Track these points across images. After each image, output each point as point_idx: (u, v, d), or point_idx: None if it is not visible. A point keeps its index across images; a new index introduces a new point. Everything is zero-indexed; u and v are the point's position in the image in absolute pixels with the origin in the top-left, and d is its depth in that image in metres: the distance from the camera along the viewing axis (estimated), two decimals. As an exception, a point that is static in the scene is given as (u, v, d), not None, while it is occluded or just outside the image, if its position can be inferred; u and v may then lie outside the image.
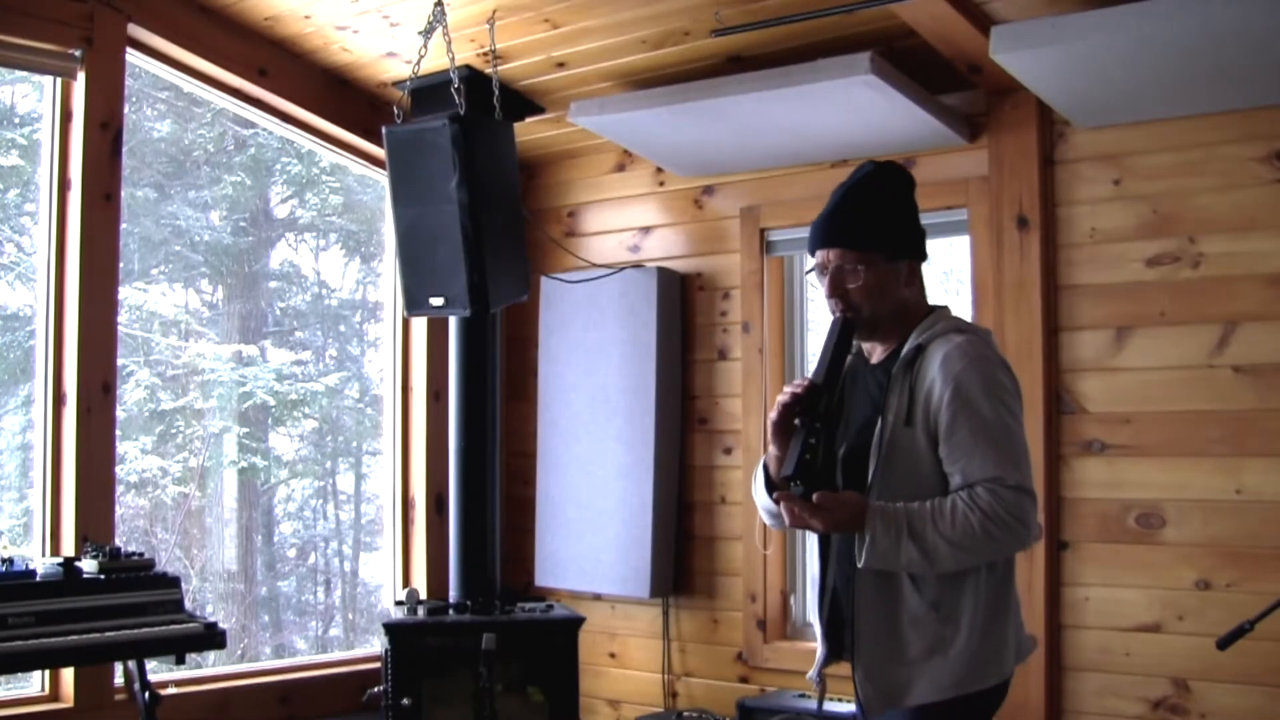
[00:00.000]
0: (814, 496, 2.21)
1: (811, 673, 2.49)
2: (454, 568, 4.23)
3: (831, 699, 3.82)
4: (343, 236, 6.41)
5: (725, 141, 4.14)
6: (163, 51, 4.06)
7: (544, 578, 4.72)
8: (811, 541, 2.50)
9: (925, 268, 2.48)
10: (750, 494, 4.33)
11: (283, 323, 6.32)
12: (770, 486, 2.42)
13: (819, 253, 2.41)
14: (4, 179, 4.98)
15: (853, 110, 3.73)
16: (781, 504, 2.25)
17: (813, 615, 2.51)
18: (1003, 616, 2.30)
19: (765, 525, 4.31)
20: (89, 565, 3.11)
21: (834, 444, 2.38)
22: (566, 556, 4.64)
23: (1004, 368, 2.33)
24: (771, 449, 2.39)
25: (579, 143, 4.78)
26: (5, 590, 2.90)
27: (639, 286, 4.54)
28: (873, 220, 2.39)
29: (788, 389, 2.32)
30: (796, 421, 2.28)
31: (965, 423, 2.22)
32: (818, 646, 2.47)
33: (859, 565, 2.23)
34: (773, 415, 2.34)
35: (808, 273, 2.49)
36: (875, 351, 2.46)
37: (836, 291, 2.37)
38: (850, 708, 3.58)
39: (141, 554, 3.23)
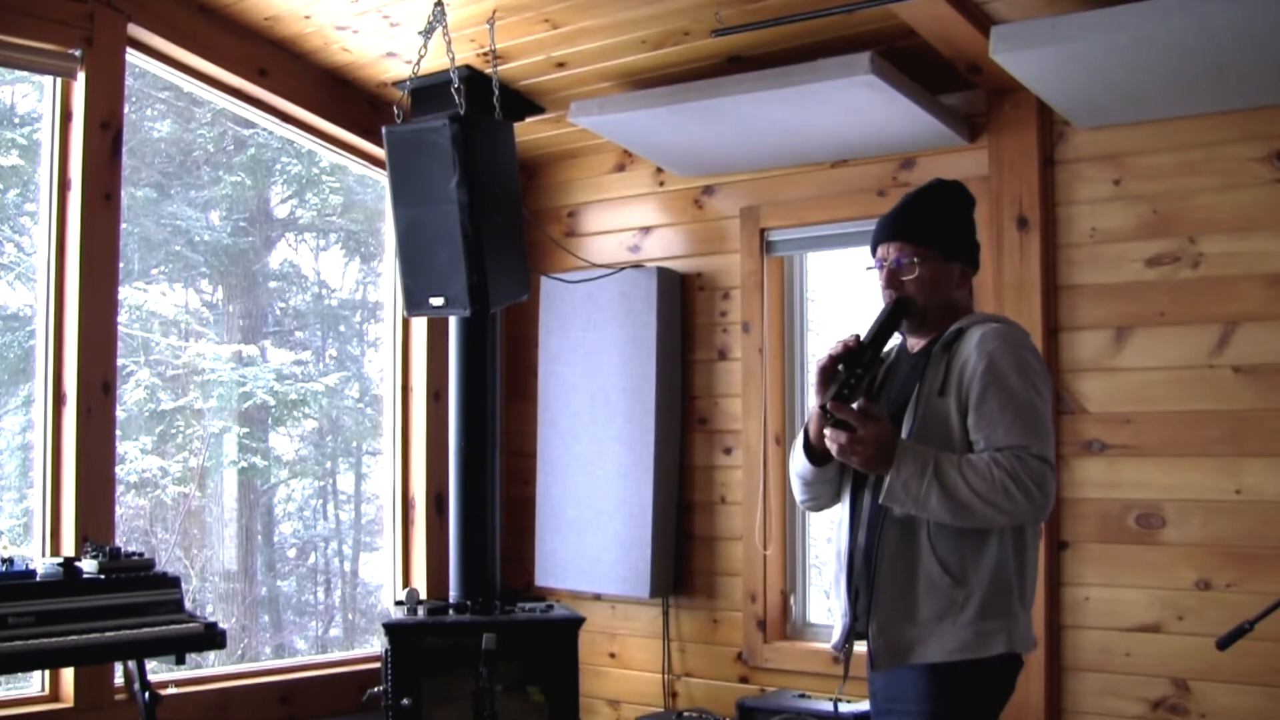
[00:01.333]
0: (856, 404, 2.34)
1: (837, 642, 2.56)
2: (454, 568, 4.23)
3: (839, 699, 3.85)
4: (343, 236, 6.40)
5: (725, 141, 4.14)
6: (163, 51, 4.06)
7: (544, 578, 4.72)
8: (817, 540, 2.56)
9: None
10: (750, 496, 4.37)
11: (283, 323, 6.32)
12: (809, 449, 2.54)
13: (880, 248, 2.57)
14: (4, 179, 4.98)
15: (853, 110, 3.73)
16: (829, 426, 2.35)
17: (834, 588, 2.60)
18: (1013, 595, 2.39)
19: (765, 525, 4.32)
20: (89, 565, 3.11)
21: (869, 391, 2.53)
22: (566, 556, 4.64)
23: (1036, 355, 2.47)
24: (813, 402, 2.51)
25: (579, 143, 4.78)
26: (5, 590, 2.90)
27: (639, 286, 4.54)
28: (932, 220, 2.55)
29: (837, 342, 2.46)
30: (840, 368, 2.41)
31: (995, 395, 2.36)
32: (840, 619, 2.55)
33: (880, 500, 2.34)
34: (821, 360, 2.47)
35: (868, 269, 2.63)
36: (915, 343, 2.59)
37: (892, 282, 2.52)
38: (857, 708, 3.59)
39: (141, 554, 3.23)
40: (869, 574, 2.44)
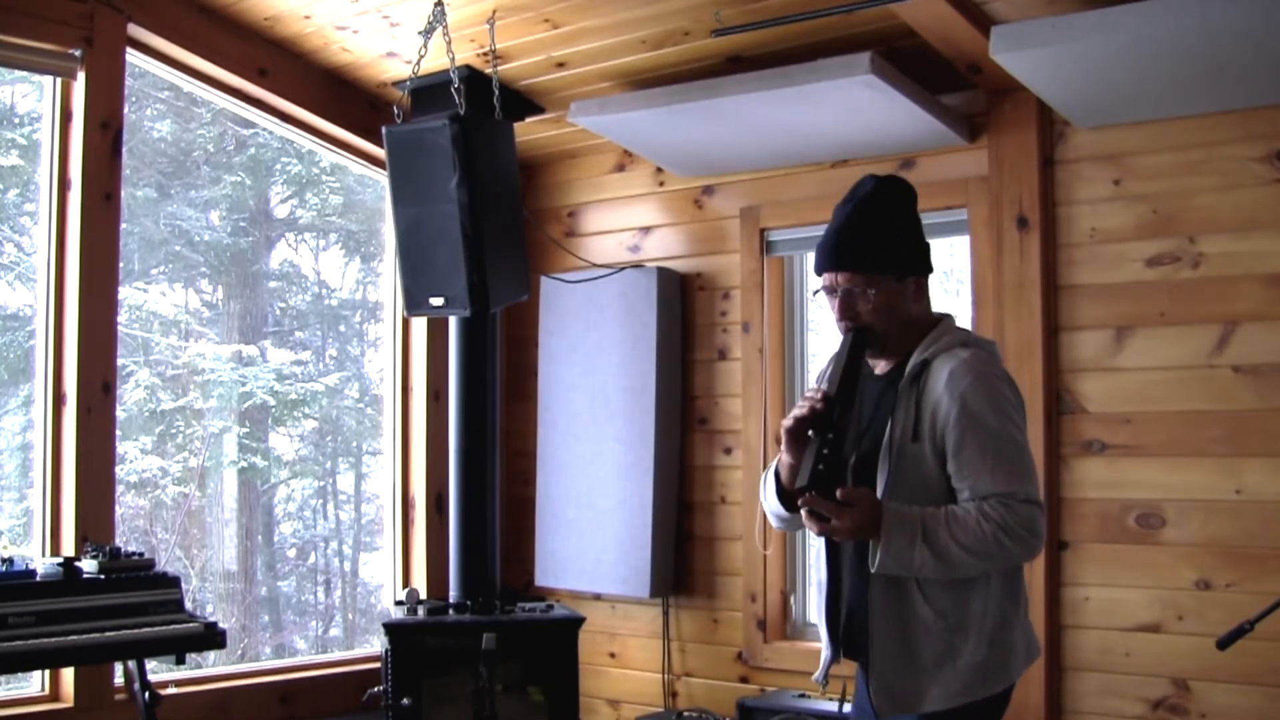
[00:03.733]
0: (838, 493, 2.23)
1: (818, 675, 2.52)
2: (454, 568, 4.23)
3: (832, 699, 3.84)
4: (343, 236, 6.41)
5: (725, 141, 4.14)
6: (163, 51, 4.06)
7: (544, 578, 4.72)
8: (815, 544, 2.53)
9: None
10: (750, 496, 4.36)
11: (283, 323, 6.32)
12: (781, 492, 2.46)
13: (826, 275, 2.43)
14: (4, 179, 4.98)
15: (853, 110, 3.73)
16: (805, 510, 2.26)
17: (817, 618, 2.54)
18: (1011, 624, 2.35)
19: (765, 525, 4.32)
20: (89, 565, 3.11)
21: (844, 454, 2.41)
22: (566, 556, 4.64)
23: (1008, 382, 2.37)
24: (784, 456, 2.41)
25: (579, 143, 4.78)
26: (5, 590, 2.90)
27: (639, 286, 4.54)
28: (880, 241, 2.40)
29: (803, 401, 2.34)
30: (810, 433, 2.30)
31: (973, 440, 2.27)
32: (823, 649, 2.51)
33: (872, 569, 2.26)
34: (788, 423, 2.35)
35: (815, 293, 2.50)
36: (879, 364, 2.49)
37: (848, 314, 2.40)
38: (846, 708, 3.58)
39: (141, 554, 3.23)
40: (860, 615, 2.37)
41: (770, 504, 2.53)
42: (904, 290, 2.41)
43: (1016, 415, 2.33)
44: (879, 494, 2.31)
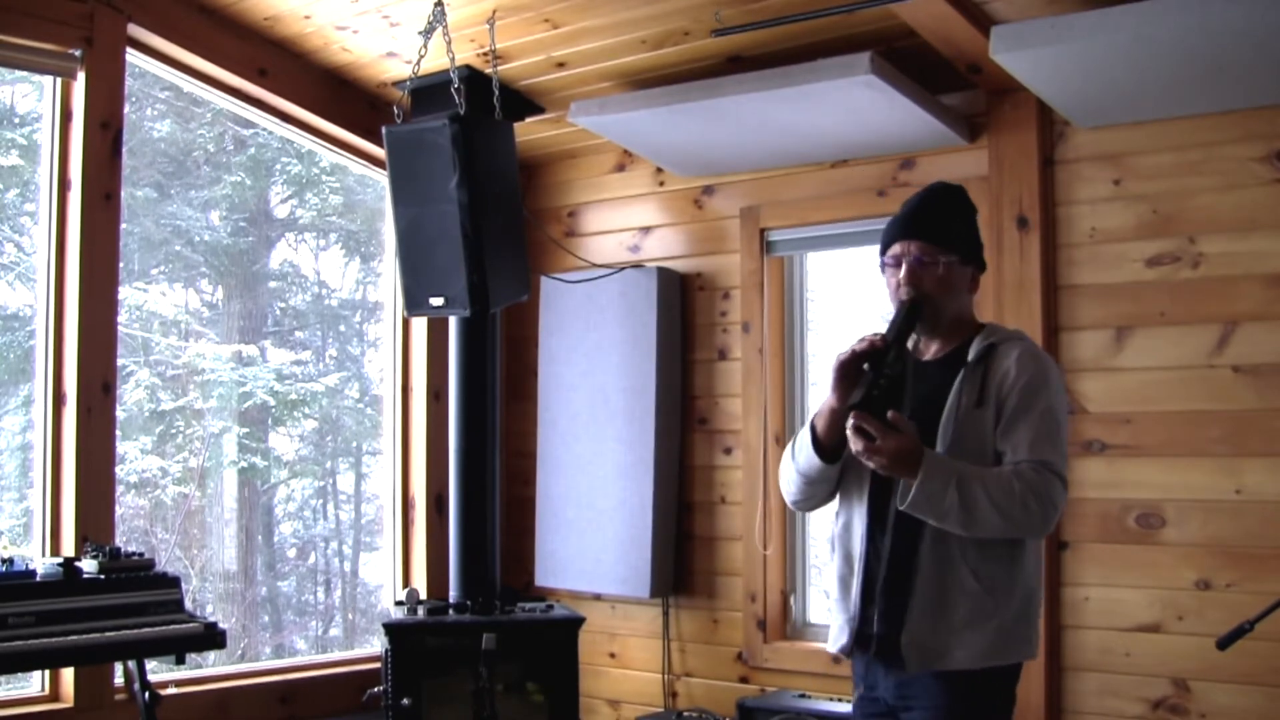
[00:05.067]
0: (889, 413, 2.32)
1: (844, 645, 2.54)
2: (454, 568, 4.23)
3: (834, 699, 3.84)
4: (343, 236, 6.40)
5: (725, 141, 4.14)
6: (163, 51, 4.06)
7: (544, 578, 4.72)
8: (822, 536, 2.56)
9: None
10: (750, 496, 4.36)
11: (283, 323, 6.32)
12: (816, 445, 2.51)
13: (898, 244, 2.52)
14: (4, 179, 4.98)
15: (853, 110, 3.73)
16: (852, 427, 2.33)
17: (839, 589, 2.57)
18: (1036, 604, 2.49)
19: (765, 525, 4.32)
20: (89, 565, 3.11)
21: (896, 393, 2.48)
22: (566, 556, 4.64)
23: (1061, 381, 2.54)
24: (828, 399, 2.47)
25: (579, 143, 4.78)
26: (5, 590, 2.89)
27: (639, 286, 4.54)
28: (952, 221, 2.55)
29: (861, 338, 2.42)
30: (865, 366, 2.39)
31: (1030, 408, 2.40)
32: (841, 620, 2.54)
33: (901, 506, 2.35)
34: (843, 355, 2.43)
35: (883, 265, 2.58)
36: (930, 349, 2.57)
37: (914, 279, 2.48)
38: (846, 708, 3.58)
39: (141, 554, 3.23)
40: (898, 581, 2.43)
41: (801, 459, 2.55)
42: (965, 275, 2.54)
43: (1065, 410, 2.49)
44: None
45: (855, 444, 2.34)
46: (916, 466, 2.30)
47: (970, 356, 2.47)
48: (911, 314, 2.46)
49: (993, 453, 2.42)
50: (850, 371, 2.41)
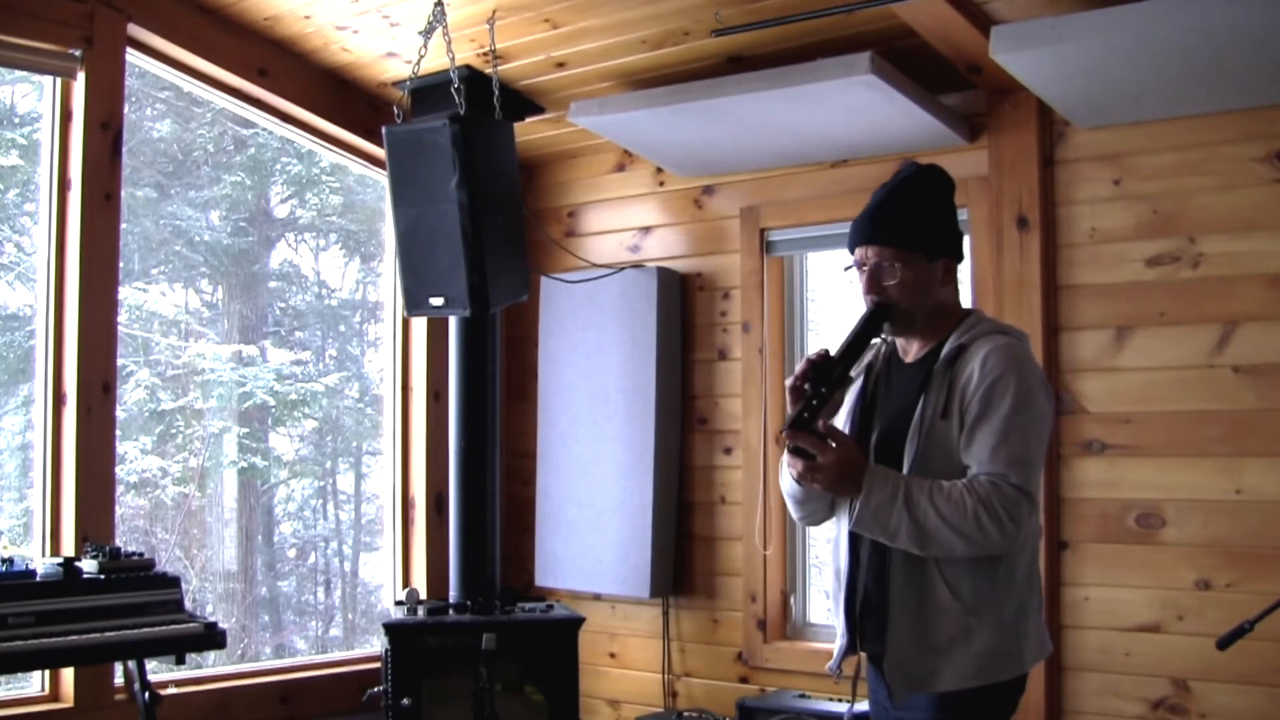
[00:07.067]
0: (819, 423, 2.27)
1: (832, 664, 2.53)
2: (454, 568, 4.23)
3: (834, 699, 3.84)
4: (343, 236, 6.40)
5: (725, 141, 4.14)
6: (163, 51, 4.06)
7: (544, 578, 4.72)
8: (821, 538, 2.54)
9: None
10: (750, 496, 4.36)
11: (283, 323, 6.31)
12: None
13: (858, 250, 2.45)
14: (4, 179, 4.98)
15: (853, 110, 3.73)
16: (789, 451, 2.30)
17: (833, 606, 2.56)
18: (1028, 615, 2.37)
19: (765, 525, 4.32)
20: (89, 565, 3.11)
21: (869, 431, 2.46)
22: (566, 556, 4.64)
23: (1039, 379, 2.39)
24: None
25: (579, 143, 4.78)
26: (5, 590, 2.89)
27: (639, 286, 4.54)
28: (913, 219, 2.43)
29: (804, 360, 2.38)
30: (806, 386, 2.33)
31: (988, 417, 2.28)
32: (838, 639, 2.52)
33: (851, 526, 2.29)
34: (790, 381, 2.38)
35: (846, 270, 2.52)
36: (911, 349, 2.50)
37: (874, 288, 2.41)
38: (862, 708, 3.57)
39: (141, 554, 3.23)
40: (878, 598, 2.38)
41: (784, 483, 2.53)
42: (933, 271, 2.42)
43: (1037, 410, 2.32)
44: (905, 467, 2.33)
45: (794, 467, 2.29)
46: (859, 482, 2.24)
47: (939, 360, 2.37)
48: (872, 320, 2.39)
49: (961, 467, 2.32)
50: (799, 395, 2.34)
